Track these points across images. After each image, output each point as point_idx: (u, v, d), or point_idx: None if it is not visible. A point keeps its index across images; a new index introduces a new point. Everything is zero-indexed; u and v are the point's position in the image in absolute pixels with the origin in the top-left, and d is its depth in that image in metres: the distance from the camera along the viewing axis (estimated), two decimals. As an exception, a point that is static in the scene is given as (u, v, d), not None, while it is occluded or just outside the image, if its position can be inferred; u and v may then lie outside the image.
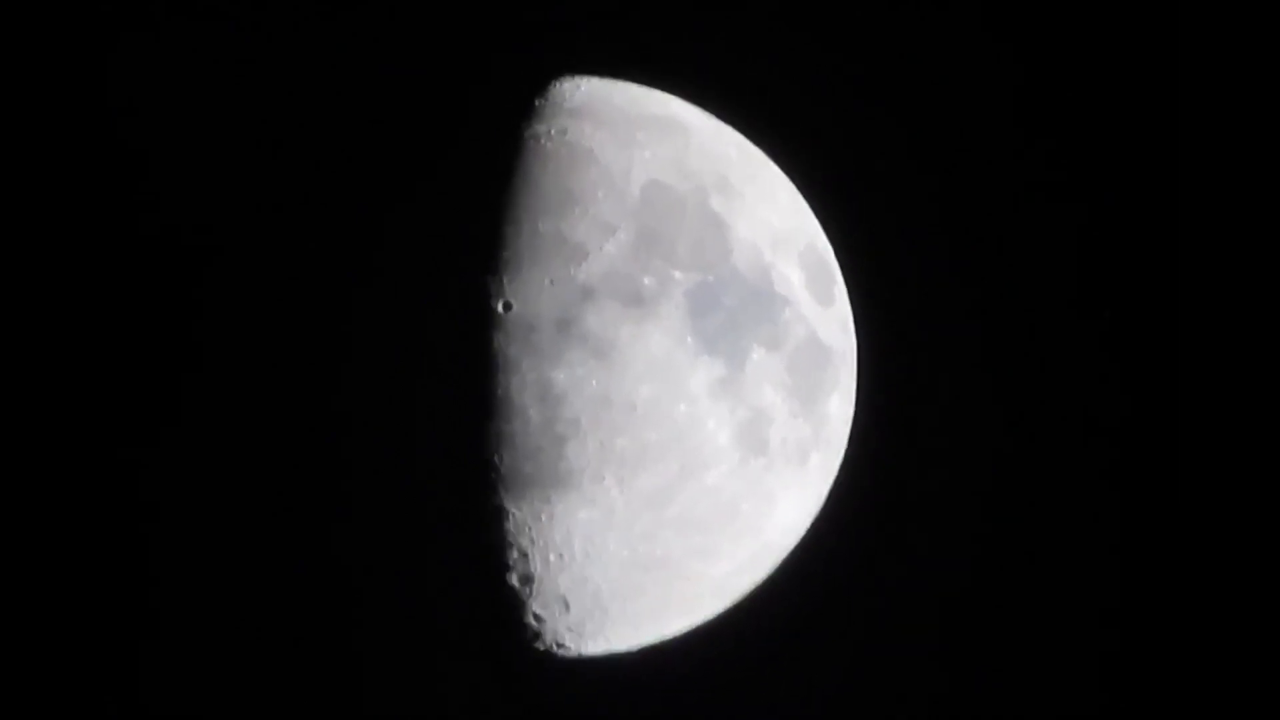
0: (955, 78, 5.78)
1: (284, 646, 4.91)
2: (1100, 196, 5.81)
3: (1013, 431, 5.79)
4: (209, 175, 4.78)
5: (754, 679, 5.53)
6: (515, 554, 4.03)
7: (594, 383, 3.87)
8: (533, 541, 4.00)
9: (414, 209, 4.08)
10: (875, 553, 5.62)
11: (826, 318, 4.40)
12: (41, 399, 5.11)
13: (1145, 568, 5.78)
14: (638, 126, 4.24)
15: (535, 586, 4.10)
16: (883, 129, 5.77)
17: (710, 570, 4.28)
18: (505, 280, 3.88)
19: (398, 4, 5.33)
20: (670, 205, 4.07)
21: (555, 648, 4.33)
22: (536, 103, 4.28)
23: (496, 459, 3.89)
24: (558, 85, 4.37)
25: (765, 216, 4.30)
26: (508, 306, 3.86)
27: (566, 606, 4.17)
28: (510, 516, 3.96)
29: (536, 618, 4.20)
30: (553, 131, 4.15)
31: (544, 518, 3.97)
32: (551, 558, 4.03)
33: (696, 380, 3.97)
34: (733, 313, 4.05)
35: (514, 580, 4.09)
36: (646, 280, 3.93)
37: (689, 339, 3.95)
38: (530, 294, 3.88)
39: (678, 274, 3.98)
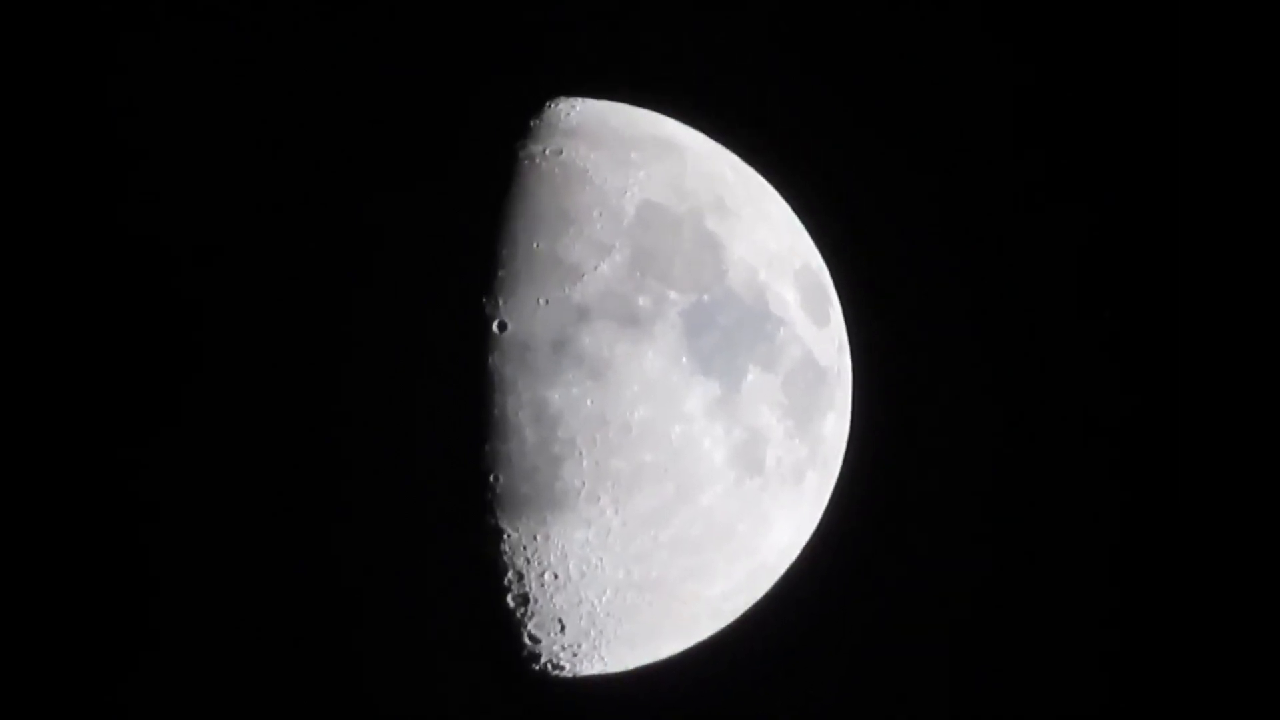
0: (948, 99, 5.81)
1: (283, 650, 4.88)
2: (1094, 222, 5.83)
3: (1009, 451, 5.81)
4: (209, 175, 4.77)
5: (749, 700, 5.52)
6: (511, 575, 4.01)
7: (589, 403, 3.86)
8: (528, 562, 3.99)
9: (409, 229, 4.07)
10: (871, 573, 5.62)
11: (822, 338, 4.40)
12: (42, 399, 5.10)
13: (1145, 572, 5.80)
14: (633, 147, 4.25)
15: (531, 607, 4.09)
16: (877, 150, 5.79)
17: (706, 591, 4.27)
18: (501, 300, 3.87)
19: (398, 5, 5.33)
20: (666, 225, 4.07)
21: (551, 668, 4.32)
22: (532, 123, 4.28)
23: (493, 479, 3.88)
24: (553, 106, 4.37)
25: (761, 237, 4.30)
26: (503, 326, 3.85)
27: (562, 627, 4.16)
28: (506, 537, 3.94)
29: (532, 638, 4.19)
30: (548, 152, 4.15)
31: (540, 538, 3.95)
32: (547, 578, 4.02)
33: (692, 400, 3.96)
34: (728, 333, 4.04)
35: (510, 601, 4.08)
36: (642, 300, 3.93)
37: (684, 359, 3.95)
38: (525, 314, 3.87)
39: (673, 294, 3.97)
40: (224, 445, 4.37)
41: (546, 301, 3.87)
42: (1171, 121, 5.85)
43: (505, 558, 3.98)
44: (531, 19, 5.21)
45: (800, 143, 5.44)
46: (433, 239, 4.03)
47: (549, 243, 3.94)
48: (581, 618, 4.14)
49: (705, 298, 4.03)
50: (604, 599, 4.09)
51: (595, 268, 3.92)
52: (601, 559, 4.00)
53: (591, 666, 4.36)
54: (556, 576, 4.02)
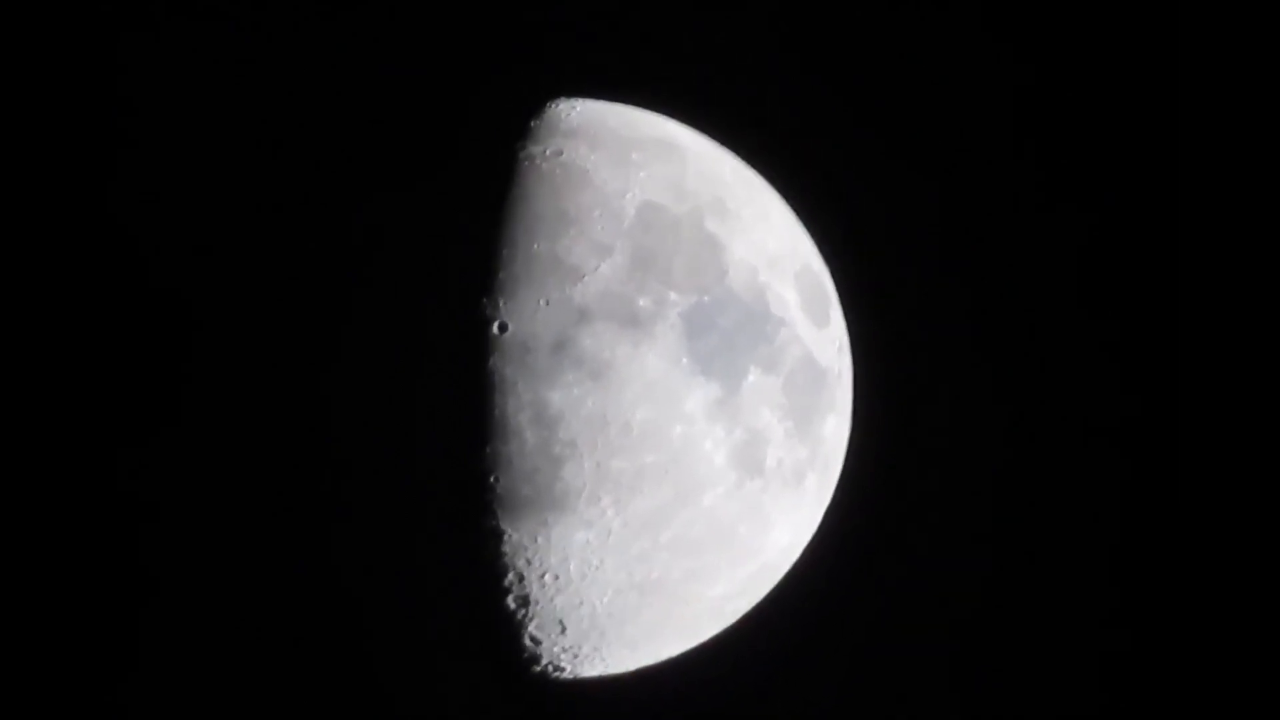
0: (949, 100, 5.81)
1: (282, 651, 4.88)
2: (1094, 221, 5.83)
3: (1009, 451, 5.81)
4: (209, 174, 4.76)
5: (751, 702, 5.52)
6: (512, 576, 4.01)
7: (590, 404, 3.85)
8: (529, 563, 3.98)
9: (409, 229, 4.06)
10: (871, 574, 5.62)
11: (822, 339, 4.40)
12: (42, 398, 5.09)
13: (1146, 572, 5.80)
14: (633, 148, 4.24)
15: (532, 609, 4.09)
16: (878, 150, 5.79)
17: (707, 593, 4.27)
18: (501, 301, 3.86)
19: (398, 5, 5.33)
20: (666, 226, 4.07)
21: (552, 670, 4.32)
22: (532, 124, 4.26)
23: (493, 480, 3.87)
24: (553, 106, 4.36)
25: (761, 238, 4.30)
26: (503, 327, 3.84)
27: (563, 629, 4.16)
28: (507, 538, 3.94)
29: (533, 640, 4.19)
30: (548, 152, 4.14)
31: (540, 540, 3.95)
32: (548, 580, 4.02)
33: (693, 402, 3.95)
34: (729, 334, 4.04)
35: (511, 602, 4.07)
36: (642, 301, 3.92)
37: (685, 360, 3.94)
38: (526, 315, 3.86)
39: (673, 295, 3.97)
40: (223, 445, 4.36)
41: (547, 302, 3.86)
42: (1171, 121, 5.85)
43: (506, 559, 3.98)
44: (531, 19, 5.21)
45: (801, 143, 5.44)
46: (432, 239, 4.02)
47: (549, 244, 3.93)
48: (582, 619, 4.13)
49: (706, 299, 4.02)
50: (605, 600, 4.09)
51: (595, 269, 3.91)
52: (602, 560, 4.00)
53: (592, 668, 4.35)
54: (557, 578, 4.02)
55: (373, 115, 4.44)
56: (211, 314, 4.37)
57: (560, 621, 4.13)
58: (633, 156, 4.20)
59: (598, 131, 4.28)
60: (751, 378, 4.07)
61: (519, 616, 4.11)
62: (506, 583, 4.03)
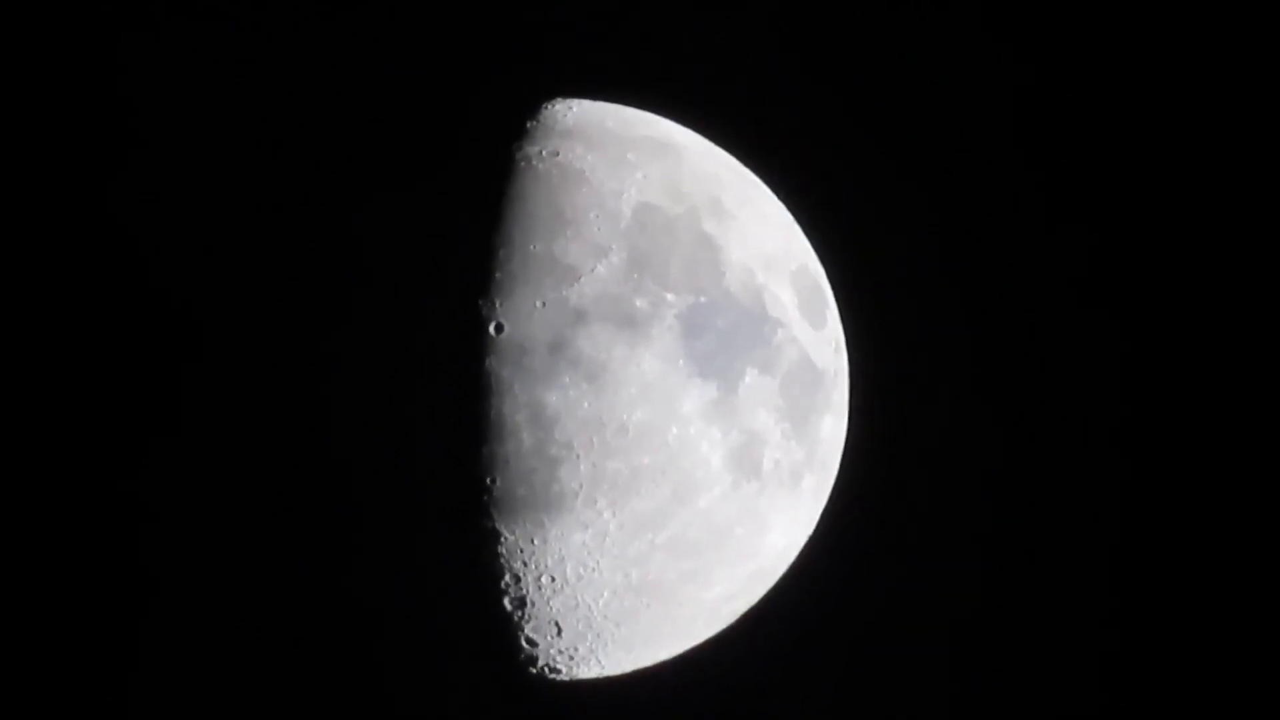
0: (946, 99, 5.80)
1: (281, 652, 4.88)
2: (1092, 221, 5.81)
3: (1007, 452, 5.80)
4: (209, 175, 4.77)
5: (747, 704, 5.52)
6: (508, 577, 4.00)
7: (586, 405, 3.85)
8: (526, 565, 3.98)
9: (406, 230, 4.06)
10: (868, 576, 5.62)
11: (819, 339, 4.39)
12: (43, 400, 5.10)
13: (1145, 572, 5.79)
14: (630, 148, 4.23)
15: (528, 610, 4.08)
16: (875, 151, 5.78)
17: (703, 595, 4.26)
18: (497, 302, 3.86)
19: (397, 5, 5.33)
20: (662, 227, 4.06)
21: (548, 672, 4.31)
22: (529, 124, 4.27)
23: (489, 481, 3.87)
24: (550, 107, 4.36)
25: (758, 238, 4.29)
26: (500, 328, 3.84)
27: (559, 631, 4.15)
28: (503, 540, 3.94)
29: (529, 641, 4.18)
30: (544, 153, 4.14)
31: (537, 541, 3.94)
32: (544, 581, 4.01)
33: (689, 403, 3.95)
34: (725, 335, 4.03)
35: (507, 604, 4.07)
36: (639, 302, 3.92)
37: (681, 361, 3.93)
38: (522, 316, 3.85)
39: (670, 296, 3.96)
40: (222, 445, 4.36)
41: (543, 303, 3.86)
42: (1170, 121, 5.84)
43: (502, 560, 3.98)
44: (528, 20, 5.21)
45: (798, 143, 5.44)
46: (430, 240, 4.02)
47: (546, 244, 3.93)
48: (579, 621, 4.13)
49: (702, 300, 4.02)
50: (601, 602, 4.08)
51: (592, 269, 3.91)
52: (599, 562, 3.99)
53: (589, 670, 4.35)
54: (554, 579, 4.01)
55: (372, 115, 4.44)
56: (211, 314, 4.38)
57: (556, 623, 4.13)
58: (629, 157, 4.19)
59: (594, 132, 4.28)
60: (748, 379, 4.07)
61: (515, 618, 4.11)
62: (503, 584, 4.02)
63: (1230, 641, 5.65)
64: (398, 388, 3.92)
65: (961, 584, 5.76)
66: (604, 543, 3.96)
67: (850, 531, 5.02)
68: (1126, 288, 5.85)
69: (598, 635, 4.19)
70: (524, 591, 4.04)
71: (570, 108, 4.38)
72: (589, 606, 4.09)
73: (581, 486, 3.88)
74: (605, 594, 4.06)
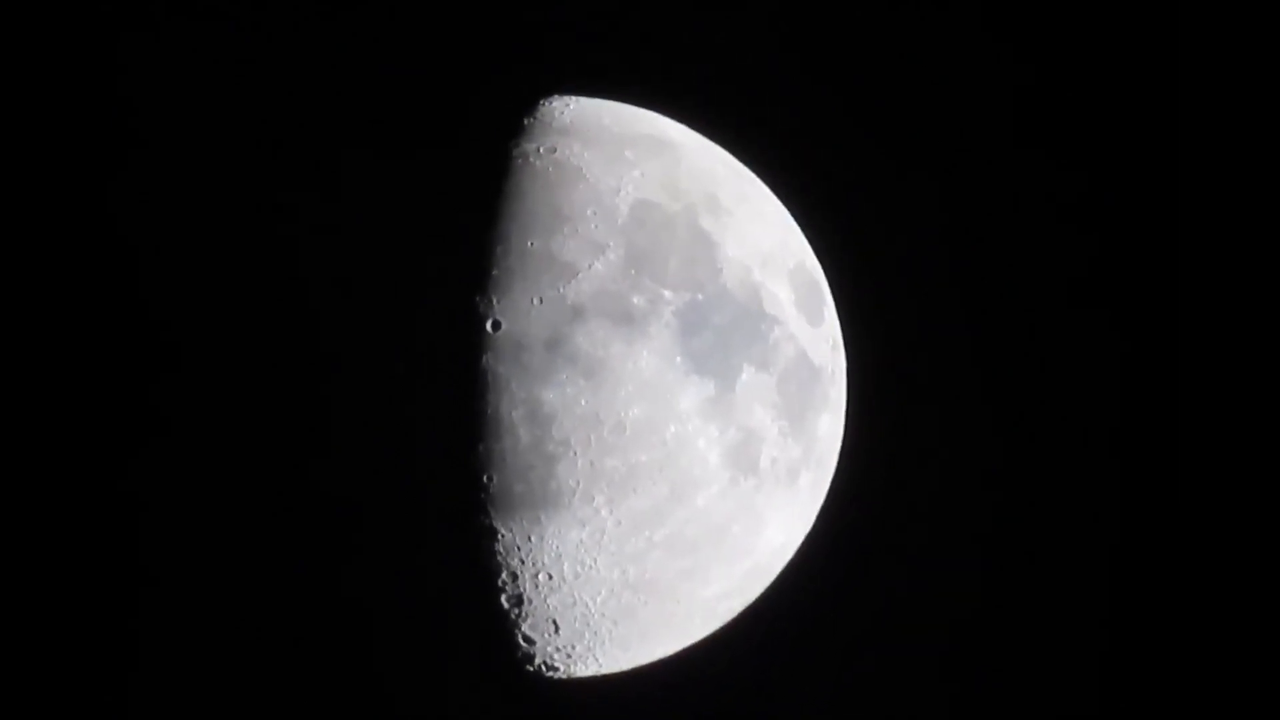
0: (942, 95, 5.80)
1: (280, 651, 4.88)
2: (1091, 217, 5.81)
3: (1005, 449, 5.79)
4: (209, 175, 4.77)
5: (744, 702, 5.51)
6: (505, 575, 4.00)
7: (584, 402, 3.85)
8: (523, 563, 3.97)
9: (403, 227, 4.06)
10: (865, 573, 5.61)
11: (816, 337, 4.39)
12: (43, 399, 5.11)
13: (1144, 571, 5.78)
14: (627, 145, 4.24)
15: (525, 608, 4.08)
16: (872, 147, 5.79)
17: (700, 592, 4.26)
18: (495, 299, 3.86)
19: (396, 5, 5.34)
20: (660, 224, 4.06)
21: (545, 669, 4.31)
22: (526, 121, 4.27)
23: (487, 479, 3.87)
24: (547, 104, 4.36)
25: (755, 235, 4.29)
26: (497, 325, 3.84)
27: (556, 628, 4.15)
28: (500, 537, 3.93)
29: (526, 639, 4.18)
30: (542, 150, 4.14)
31: (534, 539, 3.94)
32: (541, 579, 4.01)
33: (686, 400, 3.95)
34: (723, 332, 4.03)
35: (504, 601, 4.07)
36: (636, 299, 3.92)
37: (679, 358, 3.93)
38: (520, 313, 3.86)
39: (667, 293, 3.96)
40: (220, 444, 4.36)
41: (541, 300, 3.86)
42: (1169, 121, 5.84)
43: (499, 558, 3.97)
44: (526, 18, 5.22)
45: (795, 141, 5.44)
46: (427, 237, 4.02)
47: (543, 241, 3.93)
48: (576, 619, 4.13)
49: (699, 297, 4.02)
50: (598, 600, 4.08)
51: (589, 266, 3.91)
52: (596, 559, 3.99)
53: (586, 668, 4.34)
54: (551, 577, 4.01)
55: (372, 115, 4.44)
56: (209, 313, 4.38)
57: (554, 621, 4.13)
58: (626, 154, 4.20)
59: (592, 129, 4.29)
60: (745, 376, 4.06)
61: (513, 616, 4.11)
62: (500, 582, 4.02)
63: (1229, 641, 5.64)
64: (395, 385, 3.92)
65: (959, 581, 5.76)
66: (601, 540, 3.96)
67: (847, 529, 5.02)
68: (1126, 286, 5.85)
69: (595, 633, 4.18)
70: (521, 589, 4.03)
71: (568, 105, 4.38)
72: (586, 604, 4.08)
73: (579, 484, 3.88)
74: (603, 592, 4.06)
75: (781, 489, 4.26)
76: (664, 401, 3.92)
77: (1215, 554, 5.69)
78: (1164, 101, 5.87)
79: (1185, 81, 5.84)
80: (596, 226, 3.98)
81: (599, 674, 4.41)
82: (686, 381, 3.94)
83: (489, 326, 3.84)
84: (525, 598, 4.05)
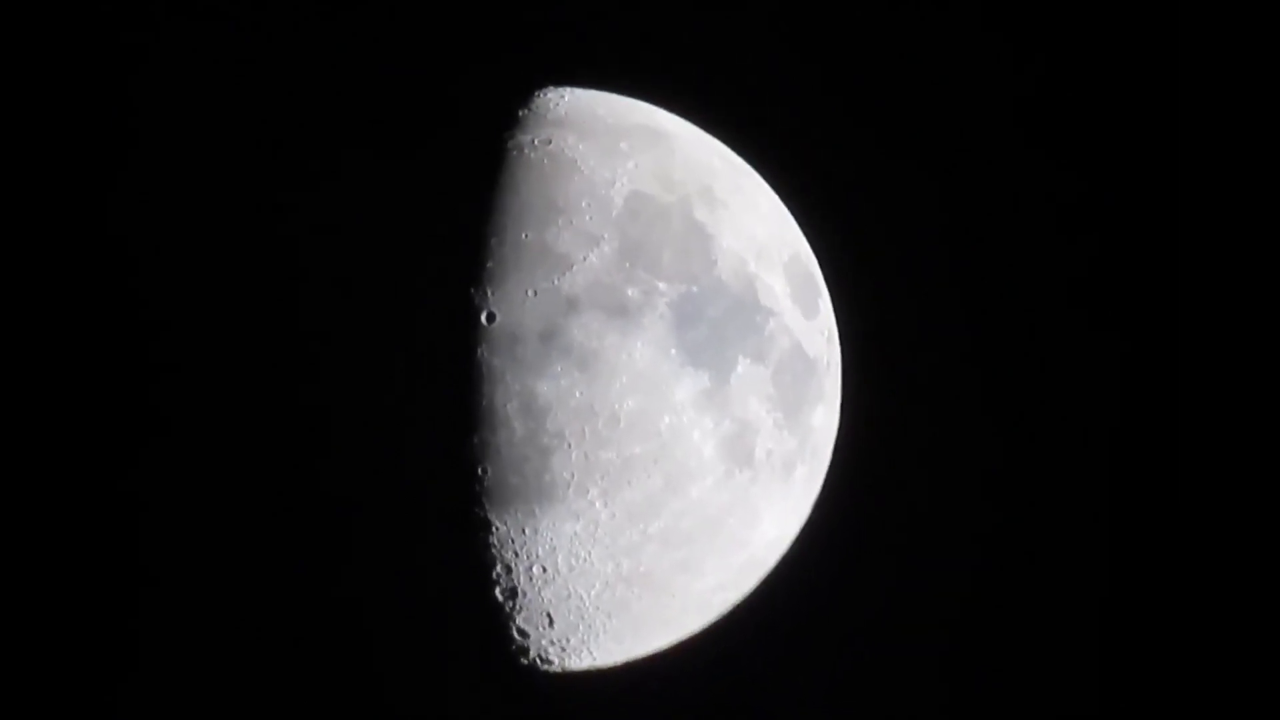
0: (937, 87, 5.81)
1: (280, 651, 4.87)
2: (1087, 210, 5.81)
3: (1003, 441, 5.78)
4: (209, 175, 4.78)
5: (738, 694, 5.49)
6: (500, 568, 3.99)
7: (578, 394, 3.85)
8: (517, 555, 3.97)
9: (398, 219, 4.07)
10: (860, 566, 5.60)
11: (811, 329, 4.38)
12: (43, 399, 5.12)
13: (1141, 565, 5.76)
14: (621, 137, 4.24)
15: (520, 601, 4.07)
16: (867, 139, 5.79)
17: (695, 585, 4.24)
18: (489, 291, 3.86)
19: (397, 5, 5.36)
20: (654, 216, 4.06)
21: (539, 662, 4.29)
22: (520, 113, 4.28)
23: (481, 471, 3.86)
24: (541, 96, 4.37)
25: (750, 227, 4.29)
26: (491, 317, 3.84)
27: (551, 621, 4.14)
28: (495, 530, 3.93)
29: (521, 632, 4.17)
30: (536, 141, 4.15)
31: (528, 531, 3.94)
32: (536, 572, 4.00)
33: (681, 392, 3.94)
34: (717, 324, 4.02)
35: (498, 594, 4.06)
36: (631, 291, 3.92)
37: (673, 350, 3.93)
38: (514, 305, 3.86)
39: (662, 285, 3.96)
40: (220, 444, 4.37)
41: (535, 292, 3.86)
42: (1171, 121, 5.84)
43: (494, 550, 3.97)
44: (520, 9, 5.23)
45: (790, 132, 5.45)
46: (421, 229, 4.03)
47: (538, 233, 3.93)
48: (570, 612, 4.12)
49: (694, 289, 4.01)
50: (593, 593, 4.07)
51: (584, 258, 3.91)
52: (590, 552, 3.98)
53: (580, 660, 4.32)
54: (545, 570, 4.00)
55: (371, 115, 4.46)
56: (209, 313, 4.39)
57: (548, 614, 4.12)
58: (621, 146, 4.20)
59: (586, 120, 4.29)
60: (740, 368, 4.06)
61: (507, 609, 4.10)
62: (494, 574, 4.01)
63: (1228, 641, 5.62)
64: (389, 377, 3.93)
65: (954, 574, 5.74)
66: (596, 533, 3.95)
67: (842, 521, 5.00)
68: (1125, 284, 5.84)
69: (589, 626, 4.17)
70: (515, 582, 4.03)
71: (562, 96, 4.39)
72: (581, 597, 4.07)
73: (573, 476, 3.88)
74: (597, 584, 4.05)
75: (776, 481, 4.25)
76: (659, 394, 3.91)
77: (1214, 553, 5.67)
78: (1164, 102, 5.87)
79: (1185, 82, 5.84)
80: (591, 218, 3.98)
81: (593, 667, 4.39)
82: (681, 374, 3.94)
83: (483, 319, 3.84)
84: (519, 591, 4.05)
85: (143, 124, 5.30)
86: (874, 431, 5.25)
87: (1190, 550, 5.72)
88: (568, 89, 4.43)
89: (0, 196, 5.29)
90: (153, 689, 5.27)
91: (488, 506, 3.91)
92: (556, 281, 3.88)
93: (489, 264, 3.89)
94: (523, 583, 4.03)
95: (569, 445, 3.86)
